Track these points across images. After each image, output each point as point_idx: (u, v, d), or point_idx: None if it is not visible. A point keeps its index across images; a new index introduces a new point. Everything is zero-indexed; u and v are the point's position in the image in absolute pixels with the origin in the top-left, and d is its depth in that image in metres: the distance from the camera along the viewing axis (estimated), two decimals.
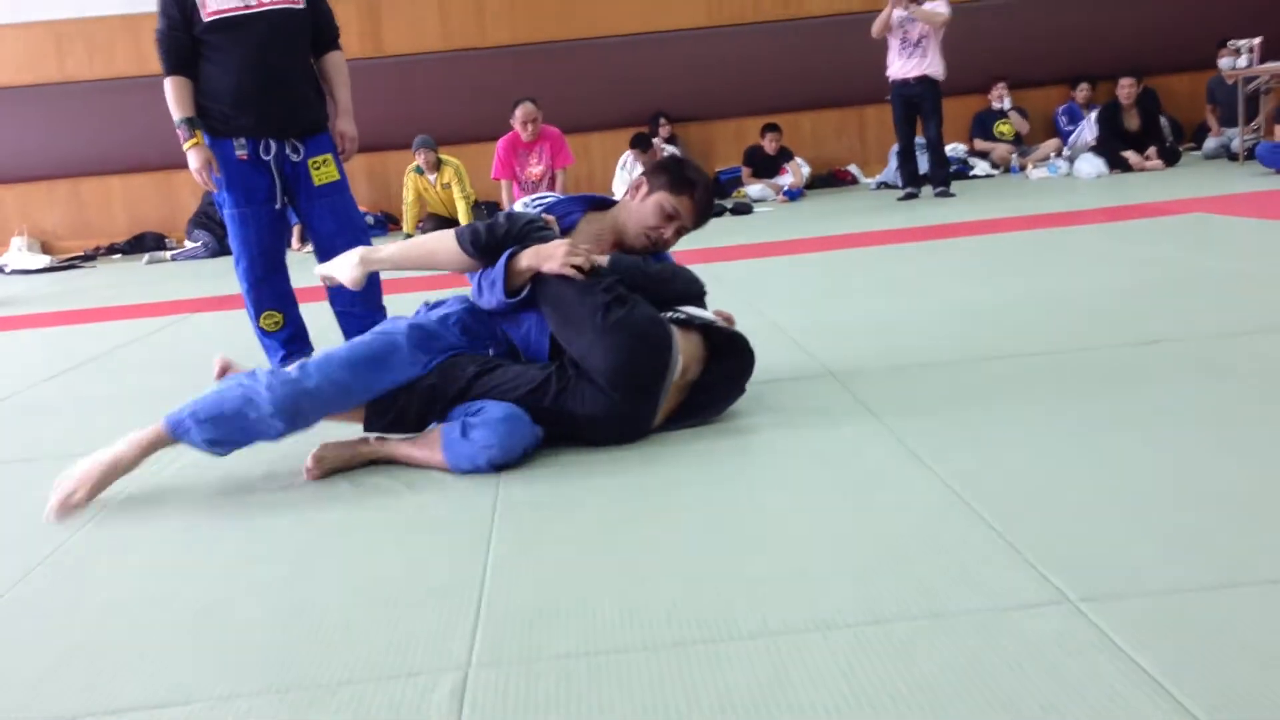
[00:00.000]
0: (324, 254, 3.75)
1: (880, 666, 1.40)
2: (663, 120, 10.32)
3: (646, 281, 2.60)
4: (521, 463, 2.41)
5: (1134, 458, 2.12)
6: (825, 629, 1.52)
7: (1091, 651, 1.39)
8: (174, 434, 2.38)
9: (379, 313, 3.83)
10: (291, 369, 2.44)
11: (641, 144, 9.34)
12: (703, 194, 2.75)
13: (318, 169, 3.67)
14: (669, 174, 2.75)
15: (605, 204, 2.86)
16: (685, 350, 2.52)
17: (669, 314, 2.57)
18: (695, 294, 2.72)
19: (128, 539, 2.19)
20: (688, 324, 2.58)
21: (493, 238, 2.54)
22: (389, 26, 10.45)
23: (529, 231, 2.54)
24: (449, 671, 1.50)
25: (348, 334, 3.83)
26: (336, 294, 3.79)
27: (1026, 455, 2.20)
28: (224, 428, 2.37)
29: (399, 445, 2.49)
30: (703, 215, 2.78)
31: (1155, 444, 2.19)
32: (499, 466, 2.36)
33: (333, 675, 1.52)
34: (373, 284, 3.82)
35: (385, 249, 2.77)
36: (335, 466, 2.46)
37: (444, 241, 2.62)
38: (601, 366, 2.42)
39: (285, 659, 1.58)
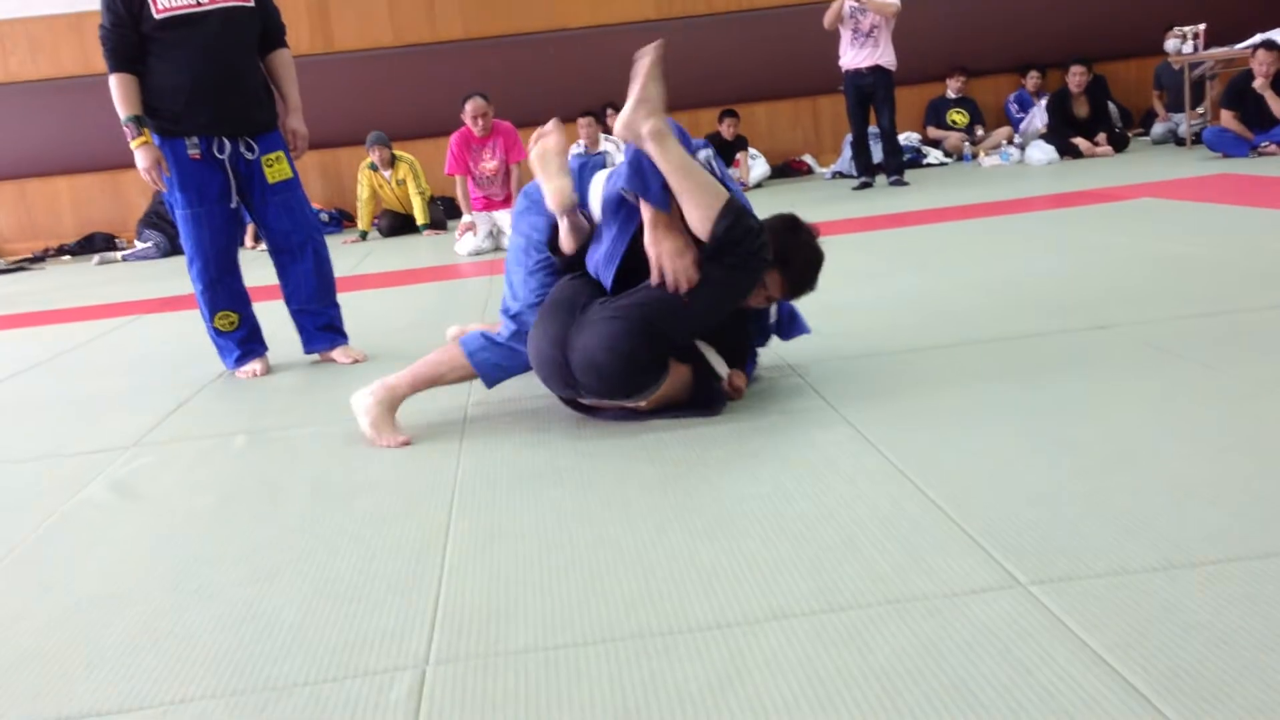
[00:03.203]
0: (279, 252, 3.72)
1: (836, 654, 1.41)
2: (609, 110, 10.29)
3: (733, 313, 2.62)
4: (477, 453, 2.44)
5: (1083, 442, 2.14)
6: (781, 618, 1.52)
7: (1042, 634, 1.41)
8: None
9: (333, 309, 3.81)
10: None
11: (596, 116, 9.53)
12: (794, 274, 2.63)
13: (270, 166, 3.63)
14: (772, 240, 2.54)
15: None
16: (667, 388, 2.52)
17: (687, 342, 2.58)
18: (742, 346, 2.75)
19: (77, 545, 2.16)
20: (690, 359, 2.59)
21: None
22: (339, 22, 10.34)
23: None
24: (406, 670, 1.49)
25: (303, 331, 3.81)
26: (293, 293, 3.77)
27: (979, 441, 2.22)
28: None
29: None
30: (794, 292, 2.69)
31: (1104, 428, 2.22)
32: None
33: (287, 677, 1.50)
34: (327, 281, 3.79)
35: (673, 144, 2.56)
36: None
37: (712, 184, 2.47)
38: (582, 338, 2.44)
39: (239, 662, 1.56)
